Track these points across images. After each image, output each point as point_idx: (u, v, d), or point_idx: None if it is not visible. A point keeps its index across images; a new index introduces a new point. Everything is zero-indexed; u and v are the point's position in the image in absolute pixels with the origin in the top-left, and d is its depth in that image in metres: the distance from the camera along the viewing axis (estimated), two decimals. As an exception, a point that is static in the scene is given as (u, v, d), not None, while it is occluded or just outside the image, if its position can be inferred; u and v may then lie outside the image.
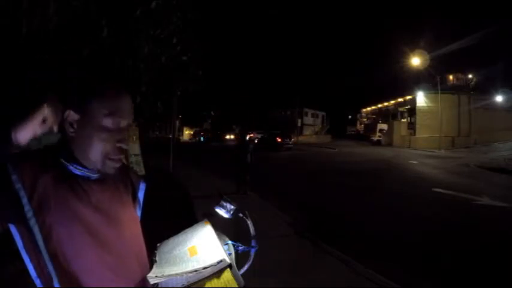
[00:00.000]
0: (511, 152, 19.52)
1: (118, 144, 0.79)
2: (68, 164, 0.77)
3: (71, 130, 0.76)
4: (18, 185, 0.69)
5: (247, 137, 7.69)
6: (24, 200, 0.69)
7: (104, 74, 0.79)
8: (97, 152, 0.77)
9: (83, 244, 0.74)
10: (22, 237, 0.71)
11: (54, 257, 0.71)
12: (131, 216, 0.91)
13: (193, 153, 19.45)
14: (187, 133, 53.75)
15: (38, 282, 0.72)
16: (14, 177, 0.69)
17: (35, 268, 0.72)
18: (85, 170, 0.79)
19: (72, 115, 0.76)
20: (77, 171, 0.78)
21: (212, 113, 48.10)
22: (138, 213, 0.97)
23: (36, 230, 0.70)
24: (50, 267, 0.71)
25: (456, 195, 7.63)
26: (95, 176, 0.81)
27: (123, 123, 0.80)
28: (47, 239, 0.71)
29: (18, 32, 2.36)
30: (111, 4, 2.81)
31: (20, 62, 2.44)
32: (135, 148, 6.03)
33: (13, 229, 0.71)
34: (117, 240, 0.81)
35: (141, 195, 0.98)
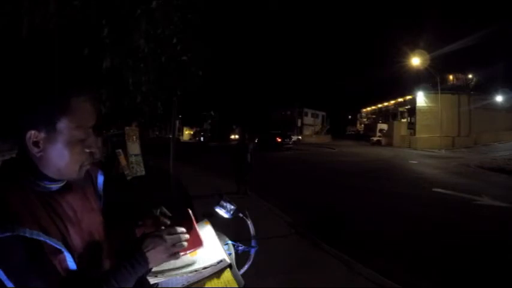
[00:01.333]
0: (511, 152, 19.52)
1: (88, 150, 0.79)
2: (45, 183, 0.76)
3: (36, 150, 0.73)
4: (30, 232, 0.67)
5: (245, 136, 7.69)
6: (43, 239, 0.68)
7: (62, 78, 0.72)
8: (73, 164, 0.77)
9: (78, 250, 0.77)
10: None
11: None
12: (99, 220, 0.91)
13: (193, 153, 19.45)
14: (187, 133, 53.80)
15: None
16: (26, 232, 0.66)
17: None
18: (55, 183, 0.78)
19: (36, 135, 0.72)
20: (53, 186, 0.78)
21: (212, 113, 48.09)
22: (100, 204, 0.96)
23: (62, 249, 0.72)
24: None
25: (456, 195, 7.63)
26: (60, 185, 0.80)
27: (89, 128, 0.79)
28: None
29: (18, 32, 2.36)
30: (111, 4, 2.81)
31: (20, 62, 2.44)
32: (135, 148, 6.04)
33: None
34: (96, 247, 0.83)
35: (100, 185, 0.96)
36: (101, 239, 0.87)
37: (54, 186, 0.78)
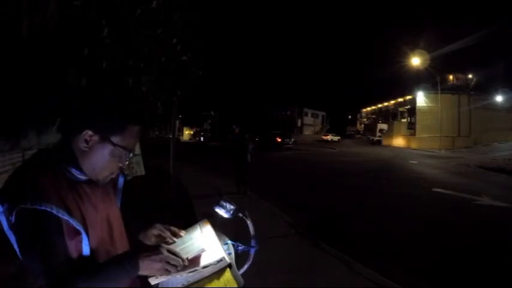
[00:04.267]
0: (511, 152, 19.52)
1: (120, 165, 0.93)
2: (76, 172, 0.88)
3: (85, 145, 0.86)
4: (55, 210, 0.77)
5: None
6: (67, 217, 0.79)
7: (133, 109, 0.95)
8: (105, 171, 0.90)
9: (97, 241, 0.87)
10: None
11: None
12: (118, 214, 1.01)
13: (193, 153, 19.45)
14: (187, 133, 53.78)
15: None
16: (52, 210, 0.76)
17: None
18: (85, 174, 0.89)
19: (91, 135, 0.86)
20: (82, 177, 0.89)
21: (212, 113, 48.07)
22: (118, 202, 1.05)
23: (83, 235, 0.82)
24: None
25: (456, 195, 7.63)
26: (88, 177, 0.91)
27: (131, 153, 0.93)
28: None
29: (18, 32, 2.37)
30: (111, 4, 2.81)
31: (20, 62, 2.44)
32: (135, 148, 6.03)
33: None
34: (112, 239, 0.93)
35: (120, 185, 1.06)
36: (119, 232, 0.97)
37: (83, 178, 0.89)
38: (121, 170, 1.03)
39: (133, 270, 0.81)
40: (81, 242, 0.81)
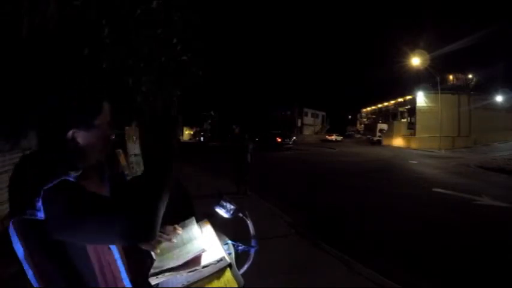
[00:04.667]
0: (511, 152, 19.53)
1: (109, 141, 0.97)
2: (72, 173, 0.83)
3: (73, 144, 0.87)
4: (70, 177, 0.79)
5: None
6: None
7: (96, 86, 0.97)
8: (101, 154, 0.95)
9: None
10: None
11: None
12: None
13: (193, 153, 19.45)
14: (187, 133, 53.78)
15: (34, 282, 0.78)
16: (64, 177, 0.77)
17: (32, 268, 0.77)
18: (75, 172, 0.85)
19: (76, 132, 0.87)
20: (70, 177, 0.82)
21: (212, 113, 48.07)
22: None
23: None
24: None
25: (456, 195, 7.63)
26: (77, 174, 0.85)
27: (111, 128, 0.96)
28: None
29: (18, 32, 2.37)
30: (111, 4, 2.81)
31: (20, 62, 2.44)
32: (135, 148, 6.03)
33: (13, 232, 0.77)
34: None
35: (105, 177, 1.04)
36: None
37: (71, 178, 0.83)
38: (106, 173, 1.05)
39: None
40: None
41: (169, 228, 1.04)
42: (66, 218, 0.73)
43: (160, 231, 1.02)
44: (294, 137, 27.58)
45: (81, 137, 0.88)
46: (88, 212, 0.74)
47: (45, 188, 0.73)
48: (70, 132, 0.86)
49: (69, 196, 0.75)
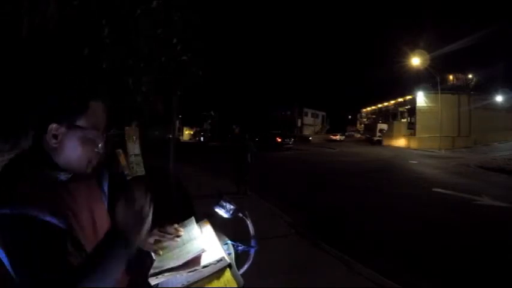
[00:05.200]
0: (511, 152, 19.52)
1: (96, 150, 0.88)
2: (53, 172, 0.82)
3: (54, 141, 0.82)
4: (53, 220, 0.72)
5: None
6: (48, 217, 0.72)
7: (87, 85, 0.91)
8: (83, 160, 0.86)
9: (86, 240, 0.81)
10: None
11: None
12: (104, 213, 0.96)
13: (193, 153, 19.45)
14: (187, 133, 53.80)
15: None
16: (53, 220, 0.72)
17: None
18: (64, 173, 0.84)
19: (57, 128, 0.82)
20: (61, 176, 0.83)
21: (212, 113, 48.07)
22: (105, 203, 0.99)
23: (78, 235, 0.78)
24: None
25: (456, 195, 7.63)
26: (69, 176, 0.85)
27: (100, 132, 0.88)
28: None
29: (18, 32, 2.37)
30: (111, 4, 2.81)
31: (20, 62, 2.44)
32: (135, 148, 6.03)
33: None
34: (95, 236, 0.86)
35: (105, 188, 1.00)
36: (104, 230, 0.88)
37: (63, 177, 0.84)
38: (104, 165, 1.00)
39: (130, 249, 0.75)
40: (69, 241, 0.74)
41: (171, 228, 1.03)
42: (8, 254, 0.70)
43: (163, 231, 1.02)
44: (293, 139, 27.50)
45: (61, 135, 0.82)
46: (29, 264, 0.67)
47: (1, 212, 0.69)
48: (50, 126, 0.81)
49: (14, 238, 0.69)
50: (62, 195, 0.80)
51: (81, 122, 0.84)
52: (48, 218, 0.71)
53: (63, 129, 0.82)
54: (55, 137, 0.82)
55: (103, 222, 0.92)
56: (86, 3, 2.65)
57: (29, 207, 0.70)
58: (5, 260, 0.72)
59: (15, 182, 0.75)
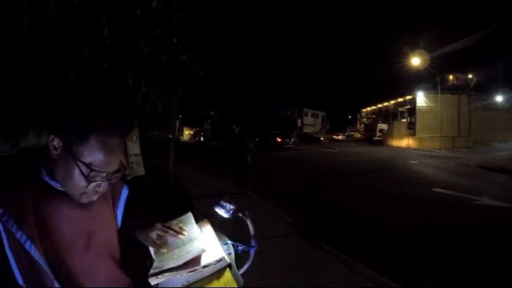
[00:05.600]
0: (511, 152, 19.52)
1: (97, 189, 0.80)
2: (50, 181, 0.79)
3: (55, 152, 0.77)
4: (5, 218, 0.70)
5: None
6: (14, 229, 0.70)
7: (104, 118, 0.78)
8: (73, 189, 0.78)
9: (64, 248, 0.78)
10: (8, 240, 0.71)
11: (46, 259, 0.73)
12: (107, 223, 0.93)
13: (193, 153, 19.45)
14: (187, 133, 53.82)
15: (22, 283, 0.72)
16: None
17: (19, 268, 0.72)
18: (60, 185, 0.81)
19: (56, 141, 0.76)
20: (57, 186, 0.80)
21: (212, 113, 48.08)
22: (119, 216, 0.98)
23: (27, 244, 0.71)
24: (44, 266, 0.73)
25: (456, 195, 7.63)
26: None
27: (104, 174, 0.78)
28: (32, 244, 0.72)
29: (18, 32, 2.37)
30: (111, 4, 2.81)
31: (20, 62, 2.44)
32: (135, 148, 6.04)
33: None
34: (87, 248, 0.83)
35: (122, 201, 0.98)
36: (102, 243, 0.88)
37: (60, 188, 0.80)
38: (124, 179, 0.98)
39: None
40: (29, 250, 0.71)
41: (175, 225, 1.01)
42: None
43: (166, 226, 1.00)
44: (293, 139, 27.53)
45: (60, 149, 0.76)
46: None
47: None
48: (52, 136, 0.76)
49: None
50: (48, 202, 0.77)
51: (78, 153, 0.75)
52: (9, 225, 0.69)
53: (60, 144, 0.76)
54: (55, 148, 0.77)
55: (102, 235, 0.89)
56: (86, 3, 2.65)
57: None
58: None
59: (3, 171, 0.75)
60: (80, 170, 0.75)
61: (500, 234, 4.77)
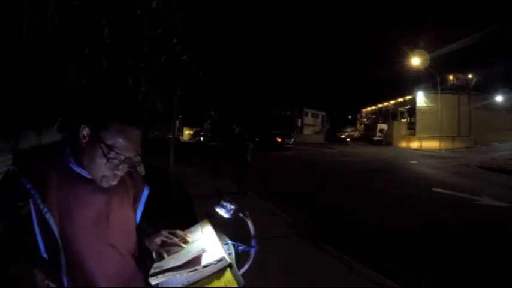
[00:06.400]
0: (511, 152, 19.52)
1: (115, 172, 0.91)
2: (76, 168, 0.90)
3: (83, 140, 0.89)
4: (33, 191, 0.81)
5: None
6: (39, 201, 0.81)
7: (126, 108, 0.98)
8: (96, 171, 0.90)
9: (79, 232, 0.87)
10: (35, 212, 0.82)
11: (61, 237, 0.83)
12: (126, 216, 1.00)
13: (193, 153, 19.44)
14: (187, 133, 53.84)
15: (45, 255, 0.82)
16: (28, 185, 0.81)
17: (42, 240, 0.82)
18: (88, 172, 0.91)
19: (86, 130, 0.89)
20: (83, 173, 0.91)
21: (212, 113, 48.08)
22: (139, 214, 1.05)
23: (47, 215, 0.82)
24: (59, 243, 0.83)
25: (456, 195, 7.63)
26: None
27: (122, 156, 0.90)
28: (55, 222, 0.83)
29: (18, 32, 2.37)
30: (111, 4, 2.81)
31: (20, 62, 2.44)
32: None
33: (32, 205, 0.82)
34: (106, 235, 0.92)
35: (143, 200, 1.05)
36: (120, 232, 0.95)
37: (87, 175, 0.91)
38: (145, 180, 1.07)
39: None
40: (48, 220, 0.82)
41: (180, 233, 1.03)
42: None
43: (171, 233, 1.02)
44: (293, 139, 27.47)
45: (88, 137, 0.89)
46: None
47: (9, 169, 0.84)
48: (82, 126, 0.89)
49: None
50: (73, 187, 0.88)
51: (103, 137, 0.88)
52: (26, 183, 0.81)
53: (90, 134, 0.89)
54: (84, 137, 0.89)
55: (120, 226, 0.96)
56: (86, 3, 2.65)
57: (20, 169, 0.83)
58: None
59: (39, 157, 0.88)
60: (102, 150, 0.87)
61: (500, 234, 4.77)
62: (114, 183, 0.92)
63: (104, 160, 0.88)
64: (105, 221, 0.92)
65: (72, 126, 0.92)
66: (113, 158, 0.88)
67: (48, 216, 0.81)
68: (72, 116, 0.94)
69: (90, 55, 2.68)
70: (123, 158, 0.90)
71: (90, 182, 0.90)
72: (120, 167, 0.91)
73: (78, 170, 0.90)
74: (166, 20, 3.40)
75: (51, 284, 0.78)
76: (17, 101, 2.51)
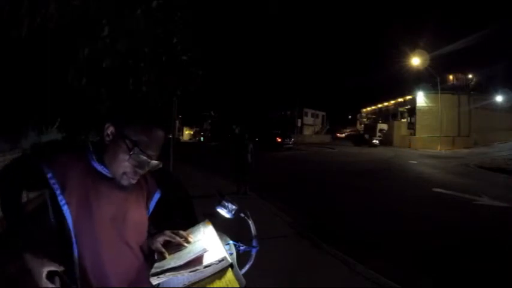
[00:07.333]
0: (511, 152, 19.52)
1: (136, 169, 0.93)
2: (98, 165, 0.93)
3: (107, 139, 0.92)
4: (53, 181, 0.85)
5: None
6: (58, 191, 0.84)
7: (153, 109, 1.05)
8: (117, 168, 0.92)
9: (96, 227, 0.89)
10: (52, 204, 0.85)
11: (77, 231, 0.86)
12: (141, 217, 1.02)
13: (193, 153, 19.44)
14: (187, 133, 53.87)
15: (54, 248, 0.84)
16: (49, 174, 0.85)
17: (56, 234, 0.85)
18: (108, 171, 0.94)
19: (111, 128, 0.92)
20: (104, 171, 0.93)
21: (212, 113, 48.09)
22: (146, 215, 1.05)
23: (64, 207, 0.85)
24: (73, 237, 0.85)
25: (456, 195, 7.63)
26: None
27: (145, 154, 0.91)
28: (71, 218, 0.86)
29: (18, 32, 2.36)
30: (111, 4, 2.81)
31: (21, 62, 2.44)
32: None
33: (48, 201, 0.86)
34: (122, 232, 0.94)
35: (152, 203, 1.07)
36: (135, 231, 0.98)
37: (107, 174, 0.93)
38: (157, 184, 1.10)
39: None
40: (65, 213, 0.84)
41: (183, 233, 1.03)
42: None
43: (174, 233, 1.02)
44: (293, 139, 27.45)
45: (112, 135, 0.92)
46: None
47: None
48: (107, 124, 0.92)
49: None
50: (94, 184, 0.90)
51: (128, 134, 0.90)
52: (47, 171, 0.84)
53: (115, 132, 0.92)
54: (108, 135, 0.92)
55: (135, 225, 0.98)
56: (86, 3, 2.65)
57: (50, 169, 0.85)
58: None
59: (63, 152, 0.92)
60: (127, 145, 0.89)
61: (500, 234, 4.77)
62: (134, 181, 0.94)
63: (127, 156, 0.90)
64: (122, 219, 0.94)
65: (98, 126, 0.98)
66: (136, 154, 0.90)
67: (65, 208, 0.84)
68: (72, 116, 0.97)
69: (90, 55, 2.68)
70: (145, 156, 0.91)
71: (110, 180, 0.93)
72: (142, 165, 0.92)
73: (99, 168, 0.92)
74: (166, 20, 3.40)
75: (53, 268, 0.80)
76: (17, 101, 2.51)
